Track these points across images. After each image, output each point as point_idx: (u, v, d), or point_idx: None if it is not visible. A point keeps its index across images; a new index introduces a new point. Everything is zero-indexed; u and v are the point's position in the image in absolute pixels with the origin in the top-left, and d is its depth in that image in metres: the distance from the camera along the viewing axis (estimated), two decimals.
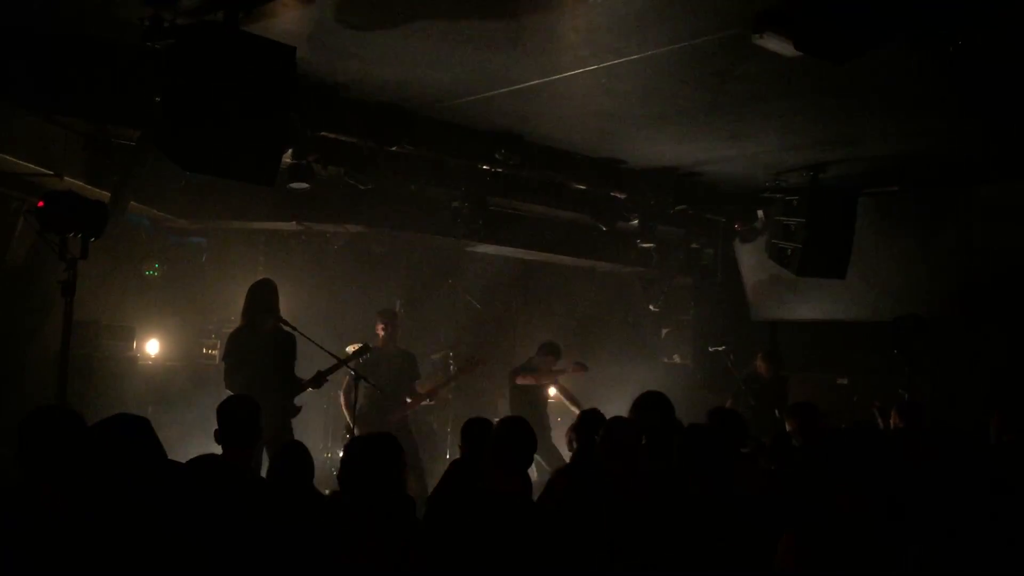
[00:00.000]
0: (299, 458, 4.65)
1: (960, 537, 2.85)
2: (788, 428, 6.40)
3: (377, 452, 3.79)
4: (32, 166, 6.73)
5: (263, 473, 5.60)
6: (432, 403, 9.07)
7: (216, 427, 4.68)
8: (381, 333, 8.51)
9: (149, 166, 7.03)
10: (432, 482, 6.49)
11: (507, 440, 4.53)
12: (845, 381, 10.06)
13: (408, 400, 8.51)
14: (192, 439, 6.60)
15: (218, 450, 4.65)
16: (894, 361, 8.58)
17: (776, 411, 8.51)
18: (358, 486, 3.71)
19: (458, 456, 5.53)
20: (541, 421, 8.90)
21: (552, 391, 9.51)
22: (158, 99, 5.56)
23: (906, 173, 8.75)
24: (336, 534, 3.18)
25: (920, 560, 2.88)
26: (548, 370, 9.16)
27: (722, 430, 5.31)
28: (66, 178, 6.96)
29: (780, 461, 5.75)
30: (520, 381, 9.07)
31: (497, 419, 4.91)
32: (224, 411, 4.71)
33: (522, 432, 4.63)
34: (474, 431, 5.32)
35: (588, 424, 5.40)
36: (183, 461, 4.06)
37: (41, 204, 5.48)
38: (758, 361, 9.55)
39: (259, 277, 7.76)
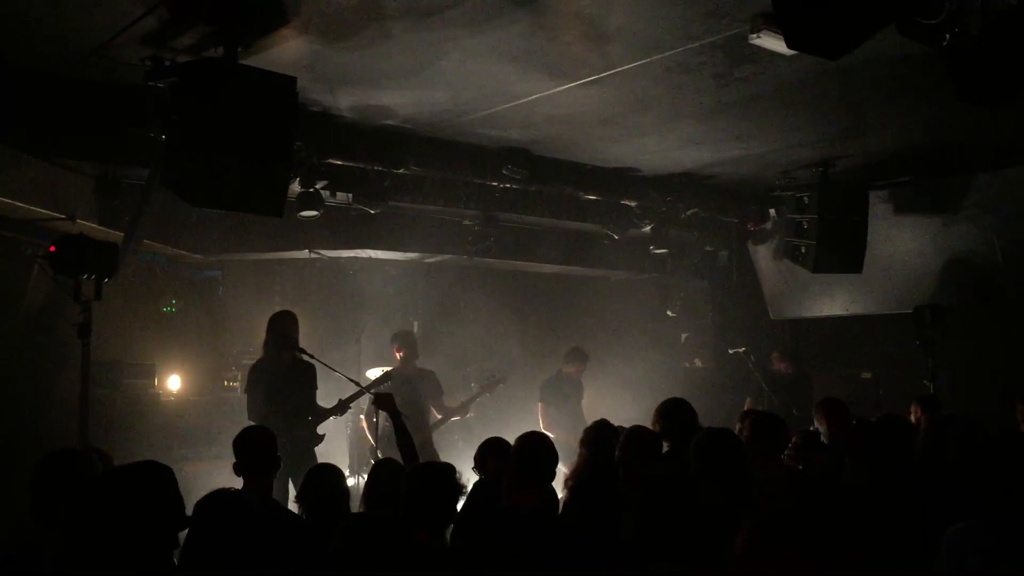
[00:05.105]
0: (332, 482, 4.59)
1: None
2: (818, 426, 6.31)
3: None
4: (44, 211, 6.79)
5: (291, 503, 5.58)
6: (467, 417, 9.11)
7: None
8: (398, 356, 8.58)
9: (159, 204, 7.08)
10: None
11: (527, 455, 4.52)
12: (869, 375, 9.99)
13: (439, 416, 8.62)
14: (217, 473, 6.62)
15: (240, 483, 4.65)
16: (917, 352, 8.51)
17: (794, 409, 8.45)
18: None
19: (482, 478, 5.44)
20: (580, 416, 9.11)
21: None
22: (163, 137, 5.63)
23: (916, 163, 8.69)
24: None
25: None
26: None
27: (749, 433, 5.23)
28: (78, 221, 7.01)
29: (807, 460, 5.68)
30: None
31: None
32: (241, 442, 4.71)
33: (542, 447, 4.62)
34: (490, 451, 5.21)
35: (599, 435, 5.22)
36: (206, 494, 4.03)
37: (52, 249, 5.55)
38: (775, 359, 9.49)
39: (276, 307, 7.80)
